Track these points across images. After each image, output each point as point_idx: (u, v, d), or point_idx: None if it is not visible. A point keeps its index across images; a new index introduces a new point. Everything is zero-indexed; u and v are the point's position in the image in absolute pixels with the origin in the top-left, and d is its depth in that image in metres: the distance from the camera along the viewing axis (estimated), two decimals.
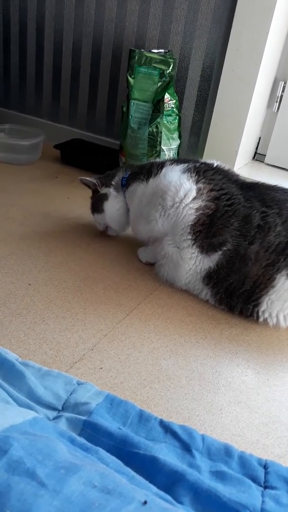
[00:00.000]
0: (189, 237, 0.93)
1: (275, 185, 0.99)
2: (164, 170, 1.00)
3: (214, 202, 0.92)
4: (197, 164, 1.00)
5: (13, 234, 1.13)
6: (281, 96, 1.48)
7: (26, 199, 1.33)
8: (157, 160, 1.10)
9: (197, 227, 0.92)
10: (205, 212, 0.92)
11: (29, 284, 0.94)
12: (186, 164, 0.99)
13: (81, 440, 0.51)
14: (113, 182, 1.10)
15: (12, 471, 0.36)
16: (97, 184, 1.12)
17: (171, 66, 1.35)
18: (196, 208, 0.92)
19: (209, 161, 1.03)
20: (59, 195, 1.39)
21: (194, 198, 0.93)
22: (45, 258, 1.04)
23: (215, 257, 0.91)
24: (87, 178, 1.13)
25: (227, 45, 1.35)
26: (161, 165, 1.02)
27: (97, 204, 1.12)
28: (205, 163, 1.01)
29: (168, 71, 1.35)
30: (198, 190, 0.93)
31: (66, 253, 1.08)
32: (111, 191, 1.10)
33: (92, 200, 1.15)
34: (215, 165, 1.02)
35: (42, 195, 1.37)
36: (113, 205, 1.10)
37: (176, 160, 1.04)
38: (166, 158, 1.08)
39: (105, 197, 1.11)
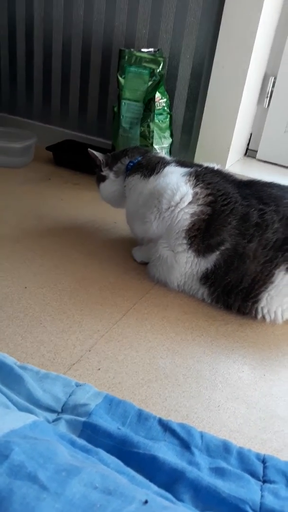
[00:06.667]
0: (184, 241, 0.93)
1: (271, 182, 1.00)
2: (166, 169, 1.00)
3: (210, 206, 0.92)
4: (198, 169, 1.00)
5: (8, 237, 1.13)
6: (271, 91, 1.49)
7: (20, 202, 1.33)
8: (166, 157, 1.09)
9: (192, 232, 0.92)
10: (201, 217, 0.92)
11: (25, 287, 0.94)
12: (188, 168, 0.99)
13: (81, 442, 0.52)
14: (114, 168, 1.10)
15: (14, 476, 0.36)
16: (102, 163, 1.13)
17: (161, 64, 1.35)
18: (191, 213, 0.92)
19: (210, 165, 1.04)
20: (52, 197, 1.39)
21: (190, 203, 0.93)
22: (40, 261, 1.05)
23: (213, 257, 0.92)
24: (95, 153, 1.13)
25: (217, 42, 1.35)
26: (166, 164, 1.02)
27: (96, 180, 1.16)
28: (205, 167, 1.02)
29: (158, 70, 1.35)
30: (195, 194, 0.93)
31: (61, 254, 1.08)
32: (110, 175, 1.11)
33: (95, 173, 1.16)
34: (215, 168, 1.02)
35: (35, 197, 1.37)
36: (108, 188, 1.12)
37: (181, 162, 1.04)
38: (173, 158, 1.09)
39: (103, 178, 1.12)
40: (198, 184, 0.95)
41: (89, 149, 1.15)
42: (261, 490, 0.58)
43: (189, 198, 0.93)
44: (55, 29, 1.63)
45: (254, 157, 1.59)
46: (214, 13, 1.35)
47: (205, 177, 0.97)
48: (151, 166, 1.02)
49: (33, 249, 1.09)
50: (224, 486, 0.56)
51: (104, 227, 1.24)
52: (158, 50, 1.42)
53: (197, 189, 0.94)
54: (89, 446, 0.51)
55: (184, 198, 0.93)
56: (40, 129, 1.77)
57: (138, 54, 1.36)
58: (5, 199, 1.34)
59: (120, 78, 1.38)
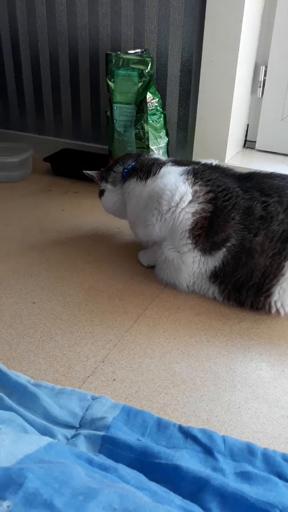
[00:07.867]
0: (189, 241, 0.91)
1: (272, 172, 0.98)
2: (162, 170, 0.99)
3: (212, 203, 0.91)
4: (196, 166, 0.98)
5: (13, 253, 1.12)
6: (264, 80, 1.46)
7: (22, 216, 1.33)
8: (160, 158, 1.09)
9: (196, 231, 0.91)
10: (203, 215, 0.90)
11: (34, 303, 0.94)
12: (186, 167, 0.98)
13: (99, 459, 0.50)
14: (110, 179, 1.11)
15: (29, 505, 0.35)
16: (97, 178, 1.15)
17: (149, 65, 1.34)
18: (192, 212, 0.91)
19: (208, 161, 1.02)
20: (54, 208, 1.38)
21: (190, 202, 0.91)
22: (46, 274, 1.04)
23: (220, 254, 0.90)
24: (89, 172, 1.16)
25: (203, 37, 1.34)
26: (162, 164, 1.01)
27: (99, 197, 1.16)
28: (203, 164, 1.00)
29: (147, 70, 1.34)
30: (194, 192, 0.92)
31: (67, 266, 1.07)
32: (108, 186, 1.11)
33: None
34: (213, 164, 1.01)
35: (37, 210, 1.37)
36: (109, 199, 1.12)
37: (178, 161, 1.03)
38: (168, 158, 1.09)
39: (102, 192, 1.13)
40: (197, 182, 0.93)
41: (84, 171, 1.17)
42: None
43: (189, 197, 0.91)
44: (40, 39, 1.62)
45: (253, 148, 1.57)
46: (198, 8, 1.33)
47: (204, 174, 0.95)
48: (146, 169, 1.01)
49: (39, 262, 1.08)
50: (251, 491, 0.55)
51: (108, 233, 1.23)
52: (145, 50, 1.40)
53: (196, 187, 0.92)
54: (108, 463, 0.50)
55: (184, 197, 0.91)
56: (35, 140, 1.77)
57: (125, 56, 1.35)
58: (7, 214, 1.33)
59: (109, 82, 1.37)
